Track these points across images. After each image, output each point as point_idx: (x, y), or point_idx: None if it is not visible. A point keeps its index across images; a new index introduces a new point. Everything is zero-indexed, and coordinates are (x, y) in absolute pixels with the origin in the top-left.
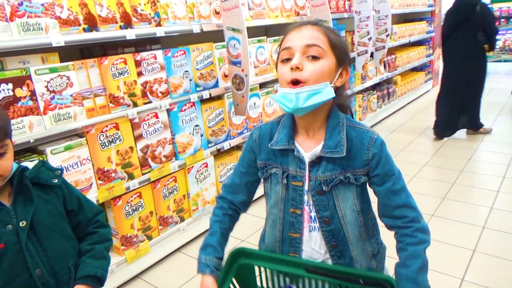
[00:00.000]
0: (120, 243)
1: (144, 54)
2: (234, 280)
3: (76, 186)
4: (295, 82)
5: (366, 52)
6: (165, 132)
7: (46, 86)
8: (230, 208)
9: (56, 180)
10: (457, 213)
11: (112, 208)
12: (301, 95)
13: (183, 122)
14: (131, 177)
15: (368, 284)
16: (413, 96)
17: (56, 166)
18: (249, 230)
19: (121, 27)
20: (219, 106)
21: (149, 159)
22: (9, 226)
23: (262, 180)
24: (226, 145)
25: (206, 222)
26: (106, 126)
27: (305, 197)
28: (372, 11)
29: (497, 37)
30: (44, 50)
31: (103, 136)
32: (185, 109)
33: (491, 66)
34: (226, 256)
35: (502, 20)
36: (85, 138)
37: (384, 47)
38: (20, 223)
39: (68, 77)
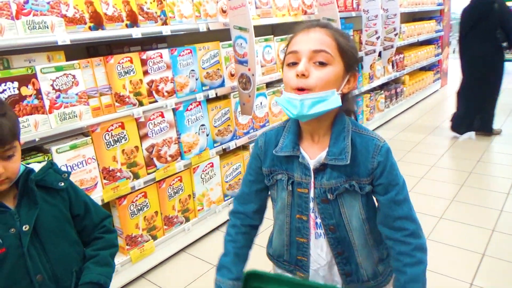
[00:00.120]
0: (124, 243)
1: (150, 53)
2: None
3: (81, 185)
4: (301, 89)
5: (374, 51)
6: (170, 131)
7: (52, 85)
8: (243, 225)
9: (63, 184)
10: (466, 215)
11: (117, 208)
12: (306, 102)
13: (189, 121)
14: (136, 176)
15: None
16: (421, 96)
17: (63, 168)
18: None
19: (127, 26)
20: (225, 106)
21: (155, 159)
22: (12, 230)
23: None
24: (232, 145)
25: (212, 222)
26: (112, 125)
27: (311, 204)
28: (380, 9)
29: None
30: (50, 48)
31: (108, 135)
32: (191, 109)
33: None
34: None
35: None
36: (90, 137)
37: (392, 46)
38: (23, 227)
39: (73, 76)
